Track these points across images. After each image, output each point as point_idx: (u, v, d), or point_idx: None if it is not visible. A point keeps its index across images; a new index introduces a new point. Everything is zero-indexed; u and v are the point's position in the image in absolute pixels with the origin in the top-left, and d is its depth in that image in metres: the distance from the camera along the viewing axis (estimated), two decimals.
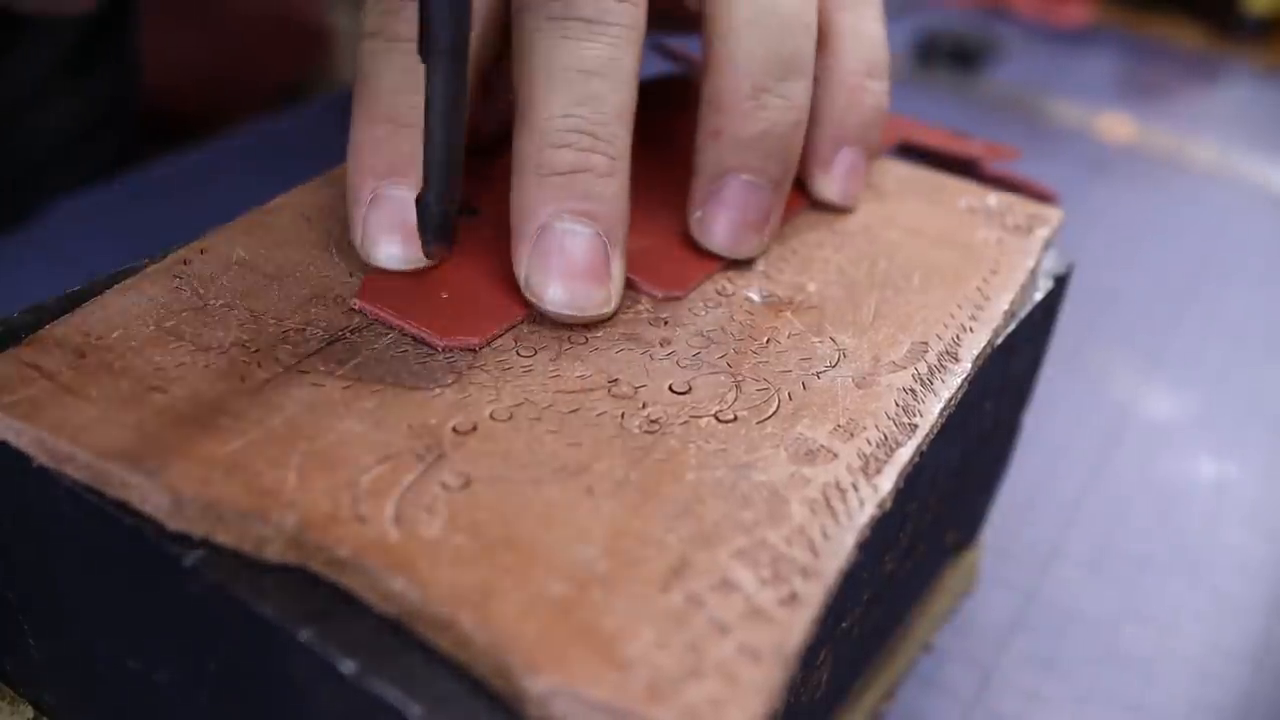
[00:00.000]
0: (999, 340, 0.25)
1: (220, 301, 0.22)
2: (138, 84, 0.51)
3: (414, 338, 0.22)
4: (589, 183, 0.22)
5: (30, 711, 0.23)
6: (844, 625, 0.22)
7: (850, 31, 0.27)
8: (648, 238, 0.25)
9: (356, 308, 0.22)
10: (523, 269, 0.23)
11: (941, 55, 0.68)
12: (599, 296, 0.23)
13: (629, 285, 0.24)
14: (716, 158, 0.25)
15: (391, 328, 0.22)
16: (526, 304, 0.23)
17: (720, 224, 0.25)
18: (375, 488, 0.18)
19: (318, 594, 0.17)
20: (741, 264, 0.25)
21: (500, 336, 0.22)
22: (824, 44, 0.27)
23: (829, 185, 0.27)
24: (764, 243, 0.26)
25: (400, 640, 0.17)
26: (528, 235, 0.23)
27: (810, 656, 0.20)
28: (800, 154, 0.26)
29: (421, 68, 0.20)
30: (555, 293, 0.22)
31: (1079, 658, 0.32)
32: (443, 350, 0.22)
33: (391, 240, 0.23)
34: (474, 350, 0.22)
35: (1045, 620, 0.33)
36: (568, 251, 0.22)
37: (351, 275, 0.23)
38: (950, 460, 0.25)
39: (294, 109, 0.52)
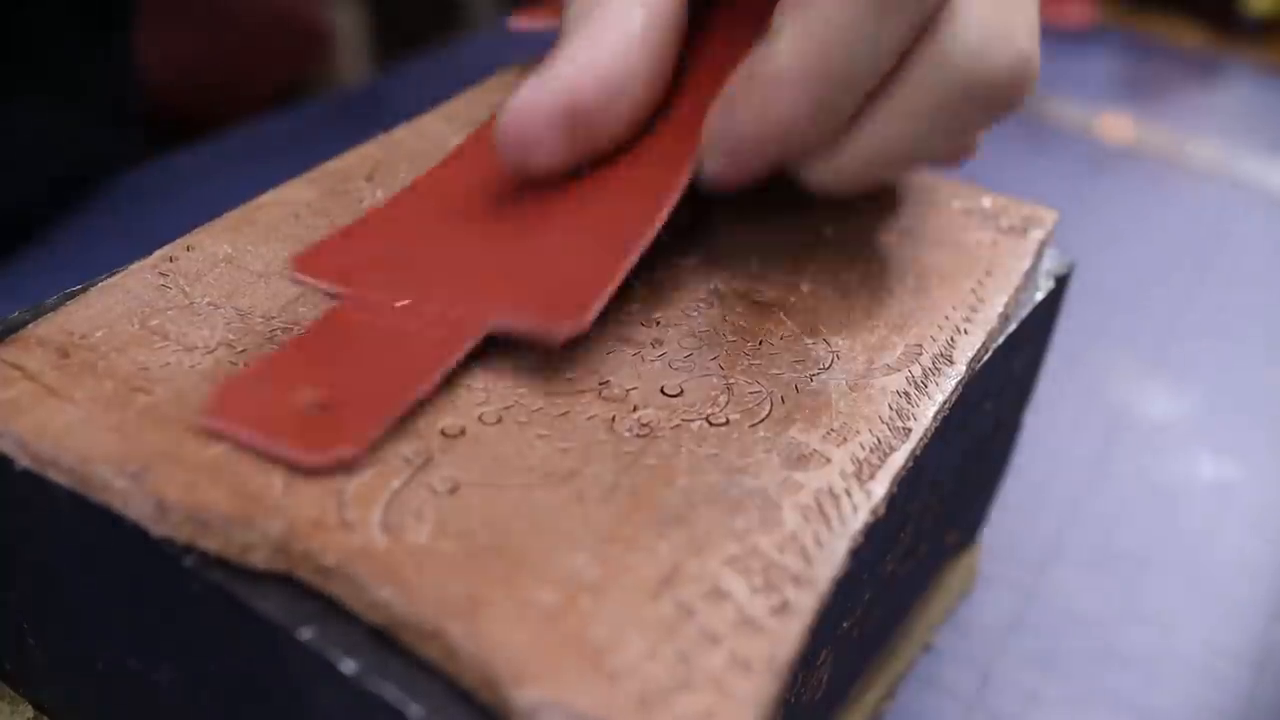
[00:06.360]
0: (994, 342, 0.24)
1: (207, 300, 0.22)
2: (137, 89, 0.51)
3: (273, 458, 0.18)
4: None
5: (30, 711, 0.23)
6: (844, 626, 0.22)
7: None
8: (523, 269, 0.22)
9: (203, 424, 0.19)
10: None
11: None
12: None
13: (504, 333, 0.21)
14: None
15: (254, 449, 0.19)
16: (418, 388, 0.20)
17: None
18: (362, 493, 0.18)
19: (319, 594, 0.17)
20: (734, 265, 0.25)
21: (387, 439, 0.19)
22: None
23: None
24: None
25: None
26: None
27: (810, 657, 0.20)
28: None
29: None
30: None
31: (1079, 658, 0.31)
32: (307, 473, 0.18)
33: None
34: (348, 467, 0.18)
35: (1045, 620, 0.32)
36: None
37: None
38: (951, 461, 0.25)
39: (294, 109, 0.52)
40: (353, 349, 0.20)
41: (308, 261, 0.22)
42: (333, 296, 0.22)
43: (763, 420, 0.21)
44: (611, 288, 0.21)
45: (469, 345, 0.20)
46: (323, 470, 0.18)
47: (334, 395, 0.19)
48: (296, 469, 0.18)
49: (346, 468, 0.18)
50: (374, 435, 0.19)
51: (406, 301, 0.21)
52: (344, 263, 0.22)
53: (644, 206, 0.23)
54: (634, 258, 0.22)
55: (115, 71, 0.48)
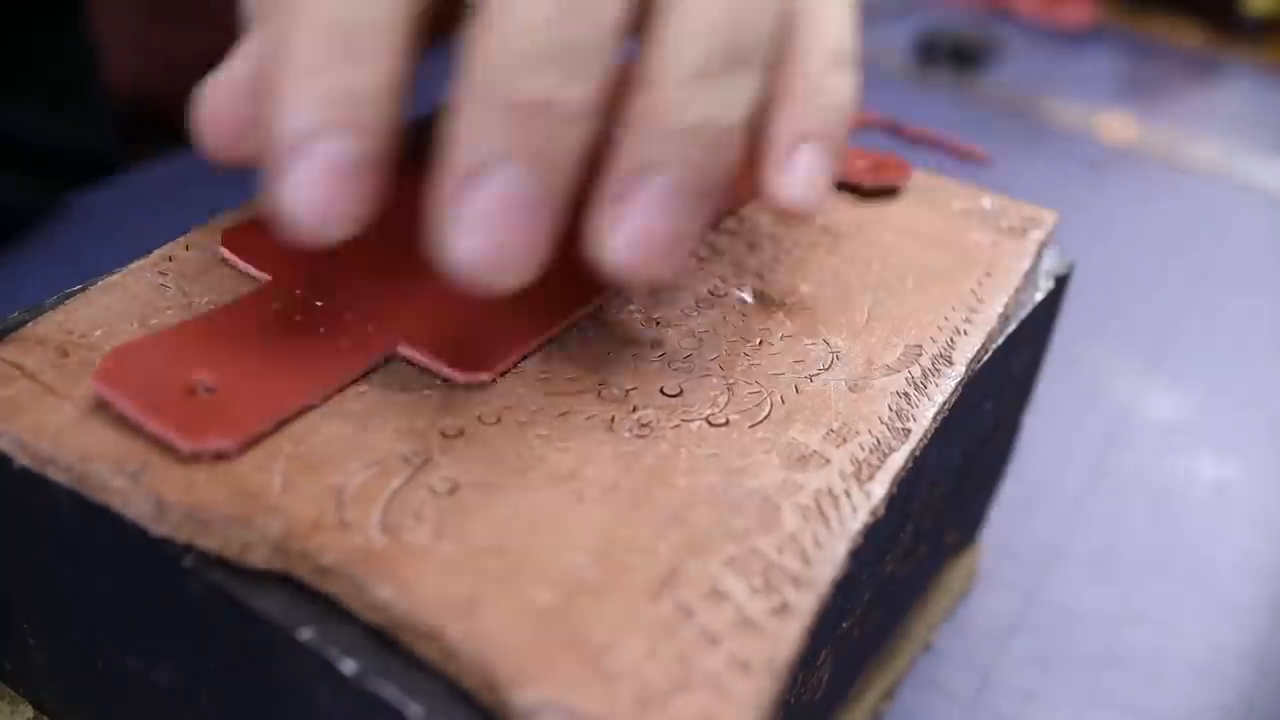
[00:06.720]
0: (994, 343, 0.24)
1: (206, 299, 0.21)
2: (102, 87, 0.50)
3: (157, 442, 0.18)
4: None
5: (30, 711, 0.23)
6: (844, 626, 0.22)
7: (814, 15, 0.23)
8: (449, 301, 0.22)
9: (94, 390, 0.19)
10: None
11: (941, 55, 0.68)
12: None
13: (422, 367, 0.21)
14: (634, 151, 0.19)
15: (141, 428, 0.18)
16: (312, 393, 0.19)
17: (623, 233, 0.19)
18: (361, 493, 0.18)
19: (317, 594, 0.17)
20: (734, 265, 0.25)
21: (269, 435, 0.19)
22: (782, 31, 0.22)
23: (786, 186, 0.22)
24: (671, 268, 0.20)
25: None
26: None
27: (810, 657, 0.20)
28: (732, 169, 0.20)
29: None
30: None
31: (1079, 658, 0.31)
32: (190, 455, 0.18)
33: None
34: (229, 459, 0.18)
35: (1045, 620, 0.32)
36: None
37: None
38: (951, 461, 0.25)
39: None
40: (258, 339, 0.20)
41: (238, 239, 0.22)
42: (254, 279, 0.22)
43: (762, 421, 0.21)
44: (527, 350, 0.21)
45: (372, 362, 0.20)
46: (197, 457, 0.18)
47: (226, 381, 0.19)
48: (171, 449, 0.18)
49: (224, 459, 0.18)
50: (256, 432, 0.18)
51: (324, 303, 0.21)
52: (274, 246, 0.22)
53: (585, 285, 0.23)
54: (556, 330, 0.22)
55: (72, 64, 0.48)
